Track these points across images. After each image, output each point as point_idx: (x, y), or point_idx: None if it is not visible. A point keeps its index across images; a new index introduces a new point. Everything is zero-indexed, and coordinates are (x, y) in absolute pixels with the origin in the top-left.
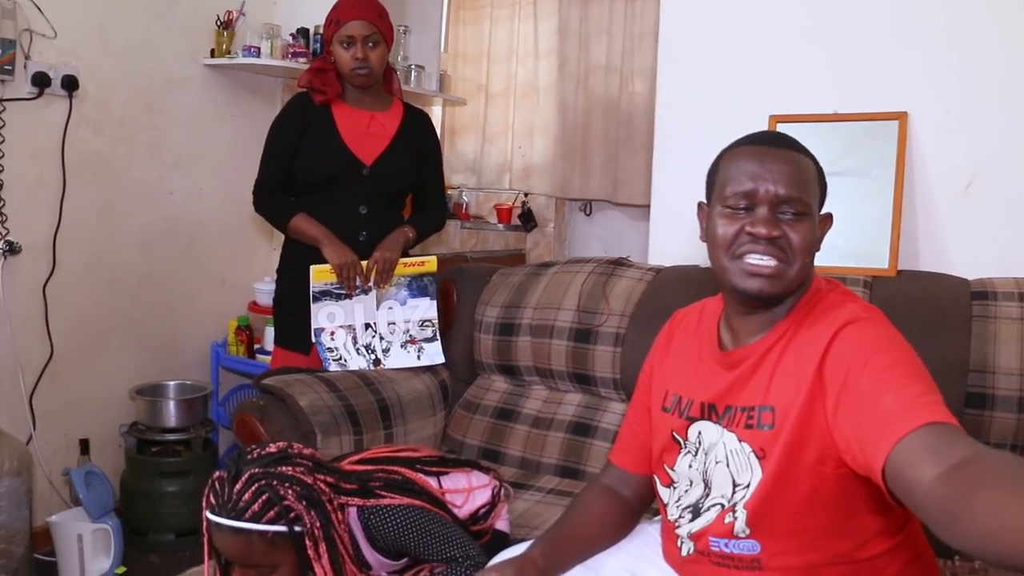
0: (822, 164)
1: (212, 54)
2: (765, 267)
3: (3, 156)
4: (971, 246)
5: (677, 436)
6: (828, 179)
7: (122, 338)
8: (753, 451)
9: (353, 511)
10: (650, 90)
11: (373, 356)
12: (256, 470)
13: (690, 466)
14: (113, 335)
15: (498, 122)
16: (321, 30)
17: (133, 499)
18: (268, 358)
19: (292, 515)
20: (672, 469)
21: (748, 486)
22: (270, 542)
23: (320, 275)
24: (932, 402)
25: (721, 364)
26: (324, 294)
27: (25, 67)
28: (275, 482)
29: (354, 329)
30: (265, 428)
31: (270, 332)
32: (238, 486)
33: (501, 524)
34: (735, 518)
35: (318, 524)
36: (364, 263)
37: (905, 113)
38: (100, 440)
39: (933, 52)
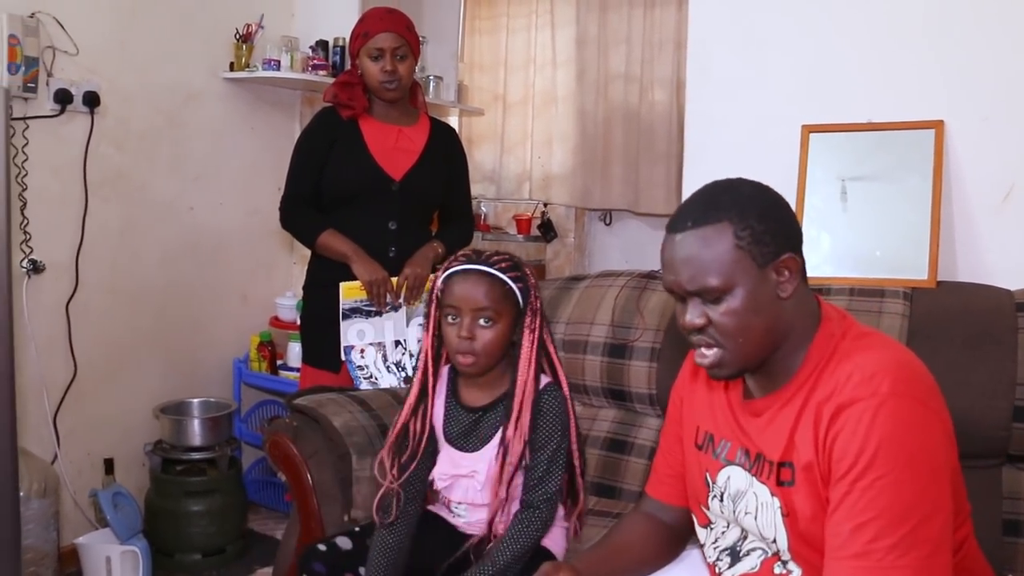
0: (855, 173)
1: (231, 68)
2: (705, 360)
3: (27, 175)
4: (1010, 256)
5: (708, 478)
6: (862, 186)
7: (145, 356)
8: (780, 508)
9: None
10: (670, 99)
11: (404, 374)
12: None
13: (721, 512)
14: (136, 353)
15: (517, 132)
16: (340, 42)
17: (158, 519)
18: (291, 374)
19: (527, 286)
20: (708, 509)
21: (775, 541)
22: (505, 293)
23: (350, 292)
24: (879, 550)
25: (748, 409)
26: (354, 311)
27: (47, 84)
28: (520, 263)
29: (384, 347)
30: (299, 449)
31: (293, 348)
32: (489, 254)
33: (557, 545)
34: (787, 571)
35: (540, 308)
36: (394, 279)
37: (941, 122)
38: (124, 459)
39: (969, 59)
